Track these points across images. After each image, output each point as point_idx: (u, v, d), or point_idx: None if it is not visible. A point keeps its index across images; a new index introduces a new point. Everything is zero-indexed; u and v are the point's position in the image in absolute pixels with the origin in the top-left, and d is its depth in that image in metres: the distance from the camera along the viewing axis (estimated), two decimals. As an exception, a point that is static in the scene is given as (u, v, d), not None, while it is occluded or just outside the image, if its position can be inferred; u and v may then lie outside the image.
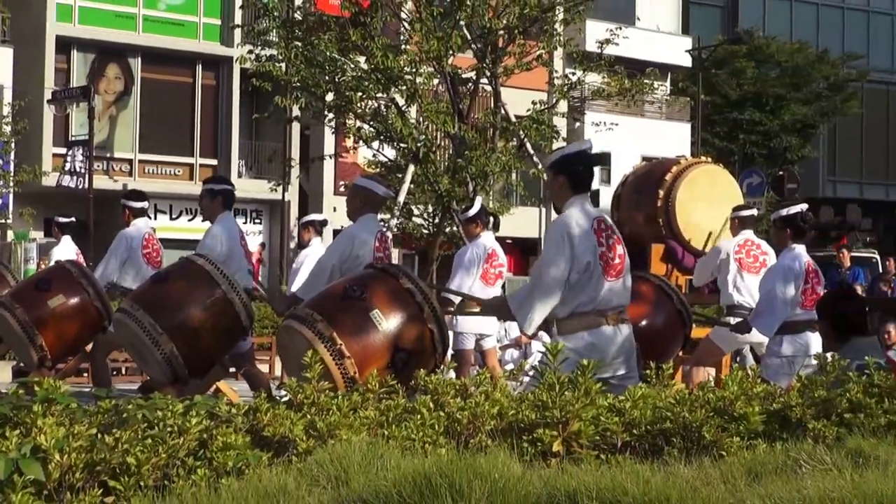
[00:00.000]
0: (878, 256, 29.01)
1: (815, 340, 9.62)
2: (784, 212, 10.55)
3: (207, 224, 11.20)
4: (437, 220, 23.11)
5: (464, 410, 4.70)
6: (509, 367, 10.91)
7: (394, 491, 3.49)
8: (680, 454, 4.71)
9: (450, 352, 13.68)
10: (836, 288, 10.09)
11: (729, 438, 4.86)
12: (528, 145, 22.92)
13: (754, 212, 12.53)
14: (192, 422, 4.22)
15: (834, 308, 8.01)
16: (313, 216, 16.75)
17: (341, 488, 3.78)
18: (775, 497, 3.73)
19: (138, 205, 13.06)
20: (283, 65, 21.89)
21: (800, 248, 10.22)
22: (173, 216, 38.73)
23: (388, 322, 7.55)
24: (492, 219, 14.13)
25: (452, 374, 11.23)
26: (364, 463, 3.94)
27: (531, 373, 6.63)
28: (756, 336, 10.53)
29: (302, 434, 4.41)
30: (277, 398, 5.14)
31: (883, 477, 3.94)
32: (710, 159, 15.68)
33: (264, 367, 14.95)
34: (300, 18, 22.74)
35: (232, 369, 10.95)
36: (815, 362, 6.02)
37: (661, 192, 13.90)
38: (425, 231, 24.26)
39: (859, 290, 20.80)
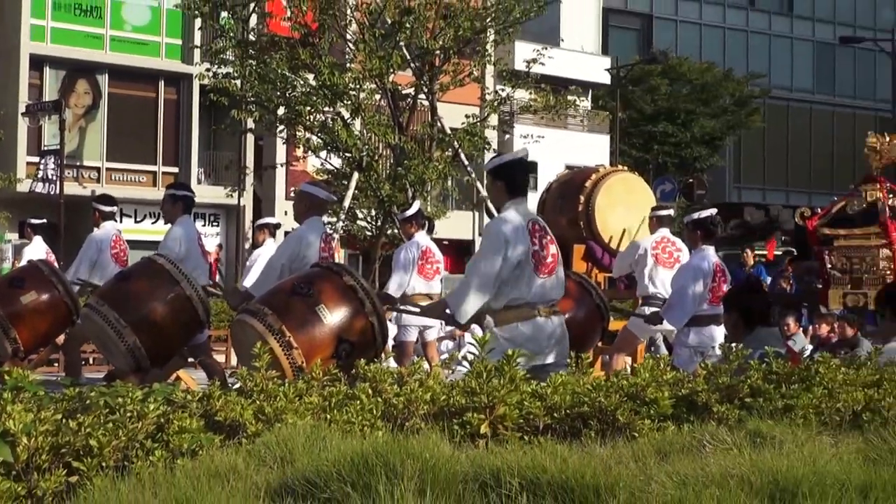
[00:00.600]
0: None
1: (719, 333, 9.71)
2: (695, 215, 10.62)
3: (169, 226, 11.16)
4: (379, 223, 23.06)
5: (399, 396, 4.69)
6: (444, 357, 10.92)
7: (333, 470, 3.48)
8: (596, 436, 4.71)
9: (391, 342, 13.78)
10: (745, 283, 10.12)
11: (641, 421, 4.87)
12: (462, 155, 22.94)
13: (671, 212, 12.61)
14: (150, 407, 4.19)
15: (742, 301, 8.06)
16: (267, 219, 16.70)
17: (286, 468, 3.76)
18: (681, 474, 3.74)
19: (108, 209, 13.00)
20: (239, 81, 21.83)
21: (709, 249, 10.31)
22: (138, 219, 38.56)
23: (333, 316, 7.54)
24: (427, 222, 14.12)
25: (393, 364, 11.23)
26: (308, 444, 3.92)
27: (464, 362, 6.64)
28: (667, 325, 10.60)
29: (251, 418, 4.39)
30: (230, 386, 5.11)
31: (778, 455, 3.96)
32: (626, 168, 15.75)
33: (221, 358, 14.83)
34: (254, 39, 22.67)
35: (190, 359, 10.90)
36: (719, 352, 6.05)
37: (582, 198, 13.95)
38: (368, 233, 24.18)
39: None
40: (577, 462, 3.64)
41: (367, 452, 3.51)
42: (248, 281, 13.21)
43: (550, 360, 7.18)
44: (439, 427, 4.47)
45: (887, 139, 15.20)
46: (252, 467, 3.82)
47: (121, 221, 33.50)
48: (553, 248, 7.44)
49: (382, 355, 7.57)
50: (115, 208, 13.15)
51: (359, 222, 24.02)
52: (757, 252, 26.39)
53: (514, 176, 7.47)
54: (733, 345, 5.71)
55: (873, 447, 4.45)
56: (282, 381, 4.85)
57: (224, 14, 22.69)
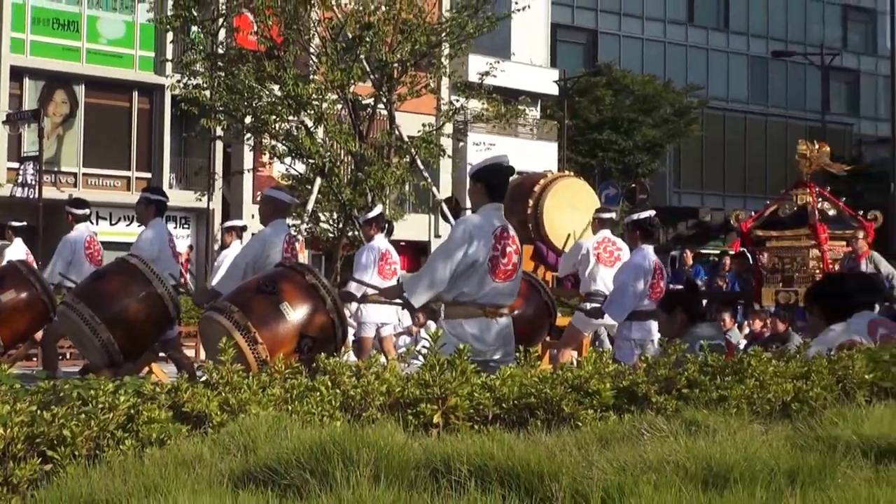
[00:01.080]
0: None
1: (657, 327, 9.74)
2: (635, 216, 10.68)
3: (142, 228, 11.13)
4: (340, 226, 23.00)
5: (357, 388, 4.67)
6: (402, 351, 10.95)
7: (293, 458, 3.47)
8: (543, 425, 4.70)
9: (351, 338, 13.78)
10: (685, 283, 10.21)
11: (584, 411, 4.87)
12: (419, 161, 22.95)
13: (612, 215, 12.68)
14: (120, 399, 4.16)
15: (680, 299, 8.09)
16: (235, 222, 16.70)
17: (249, 456, 3.74)
18: (621, 461, 3.74)
19: (80, 211, 12.97)
20: (208, 92, 21.74)
21: (648, 248, 10.35)
22: (113, 222, 38.31)
23: (296, 313, 7.54)
24: (387, 225, 14.17)
25: (354, 357, 11.20)
26: (270, 434, 3.91)
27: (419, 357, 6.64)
28: (608, 320, 10.65)
29: (217, 409, 4.36)
30: (198, 378, 5.09)
31: (712, 442, 3.97)
32: (572, 173, 15.82)
33: (191, 352, 14.78)
34: (222, 52, 22.59)
35: (161, 354, 10.86)
36: (658, 346, 6.08)
37: (531, 201, 14.01)
38: (331, 235, 24.10)
39: (699, 284, 21.04)
40: (524, 449, 3.64)
41: (325, 441, 3.50)
42: (215, 280, 13.21)
43: (496, 356, 7.19)
44: (394, 417, 4.46)
45: (816, 147, 15.32)
46: (217, 455, 3.80)
47: (96, 224, 33.50)
48: (515, 258, 7.44)
49: (343, 349, 7.57)
50: (87, 211, 13.11)
51: (321, 225, 23.96)
52: (725, 250, 26.48)
53: (492, 179, 7.48)
54: (671, 339, 5.73)
55: (801, 435, 4.47)
56: (246, 374, 4.82)
57: (194, 28, 22.62)
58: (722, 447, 3.78)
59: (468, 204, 8.22)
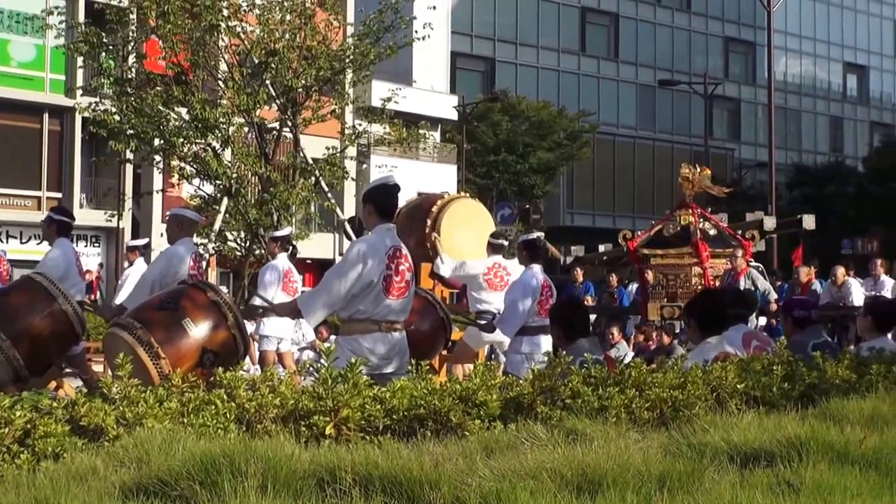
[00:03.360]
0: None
1: (546, 341, 9.81)
2: (525, 237, 10.81)
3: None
4: (247, 245, 22.87)
5: (252, 401, 4.63)
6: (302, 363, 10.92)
7: (184, 470, 3.42)
8: (432, 435, 4.70)
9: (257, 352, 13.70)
10: (566, 299, 10.29)
11: (472, 421, 4.87)
12: (323, 183, 22.92)
13: (504, 242, 12.69)
14: (16, 414, 4.08)
15: (564, 315, 8.14)
16: (137, 241, 16.58)
17: (142, 468, 3.68)
18: (503, 468, 3.76)
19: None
20: (117, 115, 21.49)
21: (537, 268, 10.45)
22: (23, 241, 37.61)
23: (198, 328, 7.43)
24: (291, 247, 14.16)
25: (258, 371, 11.06)
26: (164, 446, 3.85)
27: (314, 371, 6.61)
28: (498, 336, 10.72)
29: (113, 423, 4.29)
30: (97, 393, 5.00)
31: (588, 450, 4.00)
32: (468, 194, 15.86)
33: (99, 368, 14.52)
34: (131, 76, 22.35)
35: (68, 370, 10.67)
36: (545, 359, 6.10)
37: (429, 221, 13.99)
38: (238, 253, 23.93)
39: (590, 300, 21.19)
40: (409, 459, 3.63)
41: (215, 453, 3.46)
42: (121, 296, 13.05)
43: (390, 369, 7.17)
44: (288, 429, 4.42)
45: (698, 170, 15.57)
46: (111, 468, 3.74)
47: (7, 242, 32.87)
48: (408, 276, 7.43)
49: (242, 363, 7.49)
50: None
51: (229, 244, 23.77)
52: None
53: (380, 199, 7.44)
54: (557, 352, 5.77)
55: (674, 442, 4.52)
56: (144, 388, 4.75)
57: (103, 54, 22.39)
58: (597, 455, 3.81)
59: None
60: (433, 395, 4.97)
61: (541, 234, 10.82)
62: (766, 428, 4.59)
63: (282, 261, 13.52)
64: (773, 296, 16.41)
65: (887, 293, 16.54)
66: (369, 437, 4.61)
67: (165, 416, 4.43)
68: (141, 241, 16.41)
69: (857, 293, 17.27)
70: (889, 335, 8.35)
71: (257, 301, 11.90)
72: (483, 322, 11.20)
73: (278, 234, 14.02)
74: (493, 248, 12.24)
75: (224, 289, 28.53)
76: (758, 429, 4.55)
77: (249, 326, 13.51)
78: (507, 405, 5.17)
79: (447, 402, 4.92)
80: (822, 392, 5.80)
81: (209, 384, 5.05)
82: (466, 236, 13.69)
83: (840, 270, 18.04)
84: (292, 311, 7.75)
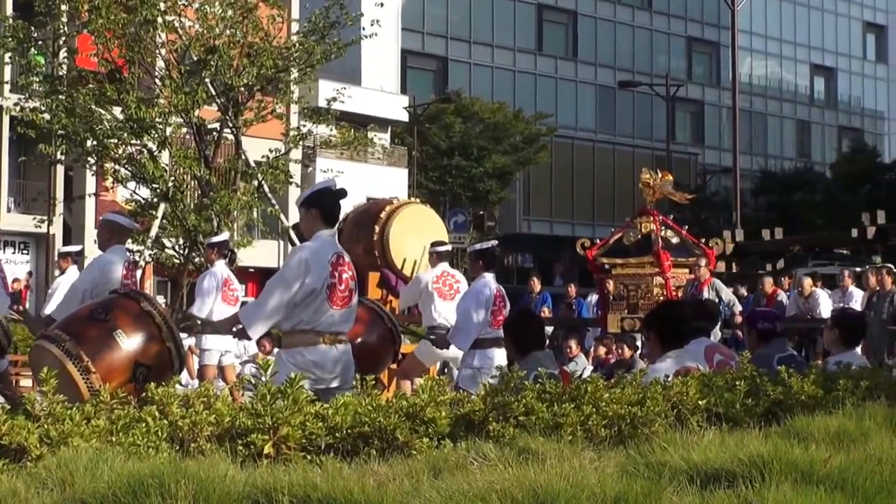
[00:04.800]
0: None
1: (500, 354, 9.83)
2: (478, 246, 10.85)
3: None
4: (186, 252, 22.72)
5: (185, 419, 4.59)
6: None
7: (109, 492, 3.38)
8: (378, 454, 4.68)
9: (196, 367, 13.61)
10: (519, 310, 10.29)
11: (419, 440, 4.85)
12: (266, 187, 22.81)
13: (449, 247, 12.70)
14: (-68, 433, 4.02)
15: (517, 327, 8.14)
16: (70, 247, 16.44)
17: (66, 490, 3.63)
18: (451, 490, 3.74)
19: None
20: (47, 115, 21.29)
21: (489, 277, 10.48)
22: (-56, 249, 37.28)
23: (130, 341, 7.36)
24: (230, 253, 14.11)
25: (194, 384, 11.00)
26: (90, 467, 3.80)
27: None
28: (452, 351, 10.73)
29: (36, 442, 4.23)
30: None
31: (542, 471, 3.99)
32: (419, 200, 15.85)
33: (28, 382, 14.37)
34: (62, 74, 22.14)
35: None
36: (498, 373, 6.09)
37: (377, 228, 13.99)
38: (176, 261, 23.76)
39: (547, 312, 21.25)
40: (350, 479, 3.60)
41: (143, 474, 3.42)
42: (50, 307, 12.92)
43: (335, 384, 7.15)
44: (224, 448, 4.38)
45: (660, 175, 15.65)
46: (32, 490, 3.68)
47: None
48: (352, 284, 7.43)
49: (189, 377, 7.45)
50: None
51: (167, 251, 23.60)
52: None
53: (327, 204, 7.43)
54: (511, 367, 5.76)
55: (632, 461, 4.53)
56: (72, 404, 4.69)
57: (32, 50, 22.17)
58: (550, 475, 3.80)
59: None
60: (379, 411, 4.95)
61: (494, 242, 10.82)
62: (728, 446, 4.60)
63: (220, 268, 13.45)
64: (738, 307, 16.53)
65: (856, 305, 16.68)
66: (310, 456, 4.58)
67: (93, 434, 4.37)
68: (75, 248, 16.28)
69: (825, 305, 17.43)
70: (857, 349, 8.42)
71: (194, 313, 11.84)
72: (434, 337, 11.20)
73: (215, 239, 13.98)
74: (438, 257, 12.23)
75: (161, 299, 28.34)
76: (719, 447, 4.56)
77: (190, 339, 13.47)
78: (457, 422, 5.16)
79: (393, 419, 4.90)
80: (787, 408, 5.84)
81: (140, 400, 4.99)
82: (418, 246, 13.68)
83: (807, 281, 18.19)
84: (233, 324, 7.72)
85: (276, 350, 16.30)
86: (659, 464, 4.32)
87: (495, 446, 4.65)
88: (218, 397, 4.94)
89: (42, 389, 4.59)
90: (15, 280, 26.45)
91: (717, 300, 15.51)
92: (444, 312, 11.71)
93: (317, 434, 4.66)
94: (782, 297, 18.98)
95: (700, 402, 5.65)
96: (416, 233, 13.98)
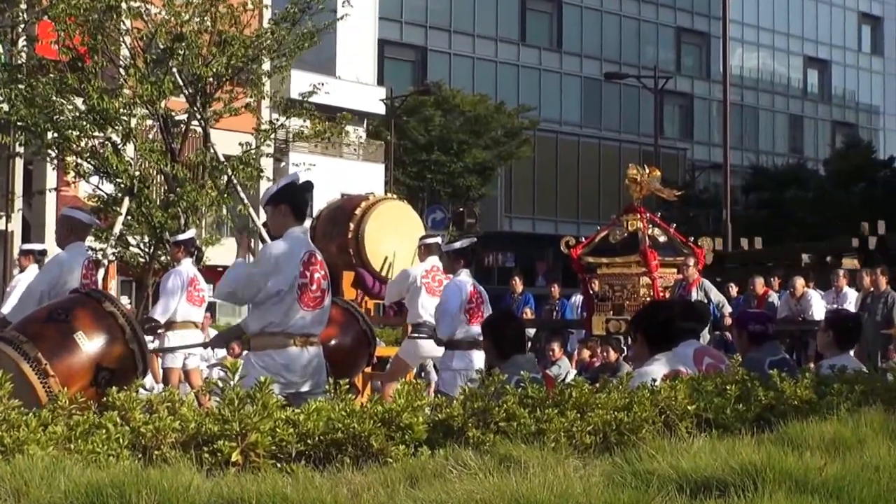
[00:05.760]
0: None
1: (480, 357, 9.82)
2: (457, 244, 10.92)
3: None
4: (151, 250, 22.62)
5: (148, 425, 4.54)
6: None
7: (66, 502, 3.34)
8: (351, 462, 4.65)
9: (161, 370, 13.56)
10: (499, 312, 10.30)
11: (395, 447, 4.83)
12: (237, 183, 22.72)
13: (438, 240, 12.71)
14: None
15: (497, 329, 8.12)
16: (32, 245, 16.35)
17: (21, 501, 3.59)
18: (429, 499, 3.72)
19: None
20: (5, 105, 21.18)
21: (465, 273, 10.61)
22: None
23: (91, 343, 7.32)
24: (196, 252, 14.08)
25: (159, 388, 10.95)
26: (46, 476, 3.76)
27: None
28: (438, 351, 10.74)
29: (-12, 450, 4.19)
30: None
31: (524, 479, 3.97)
32: (396, 196, 15.82)
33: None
34: (21, 62, 22.02)
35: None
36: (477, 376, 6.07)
37: (352, 225, 13.94)
38: (141, 259, 23.67)
39: (529, 313, 21.23)
40: (323, 488, 3.57)
41: (102, 483, 3.38)
42: (6, 307, 12.85)
43: (306, 388, 7.14)
44: (189, 456, 4.35)
45: (647, 171, 15.65)
46: (-16, 501, 3.63)
47: None
48: (324, 284, 7.41)
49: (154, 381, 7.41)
50: None
51: (131, 249, 23.51)
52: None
53: (296, 198, 7.41)
54: (491, 370, 5.74)
55: (619, 469, 4.51)
56: (28, 409, 4.64)
57: (-11, 37, 22.08)
58: (533, 483, 3.78)
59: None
60: (352, 417, 4.92)
61: (473, 240, 10.86)
62: (719, 454, 4.59)
63: (186, 267, 13.39)
64: (728, 309, 16.54)
65: (850, 306, 16.71)
66: (281, 464, 4.55)
67: (50, 441, 4.33)
68: (38, 246, 16.21)
69: (818, 306, 17.45)
70: (851, 352, 8.43)
71: (158, 313, 11.79)
72: (417, 336, 11.26)
73: (181, 237, 13.95)
74: (427, 250, 12.23)
75: (125, 299, 28.22)
76: (709, 455, 4.55)
77: (154, 341, 13.41)
78: (435, 429, 5.14)
79: (368, 425, 4.87)
80: (780, 414, 5.83)
81: (101, 405, 4.94)
82: (395, 244, 13.66)
83: (799, 282, 18.22)
84: (236, 336, 7.75)
85: (244, 353, 16.32)
86: (647, 472, 4.30)
87: (475, 454, 4.63)
88: (183, 402, 4.90)
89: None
90: (-29, 279, 26.30)
91: (706, 301, 15.52)
92: (431, 308, 11.70)
93: (287, 441, 4.63)
94: (773, 298, 19.00)
95: (689, 408, 5.64)
96: (392, 230, 13.95)
